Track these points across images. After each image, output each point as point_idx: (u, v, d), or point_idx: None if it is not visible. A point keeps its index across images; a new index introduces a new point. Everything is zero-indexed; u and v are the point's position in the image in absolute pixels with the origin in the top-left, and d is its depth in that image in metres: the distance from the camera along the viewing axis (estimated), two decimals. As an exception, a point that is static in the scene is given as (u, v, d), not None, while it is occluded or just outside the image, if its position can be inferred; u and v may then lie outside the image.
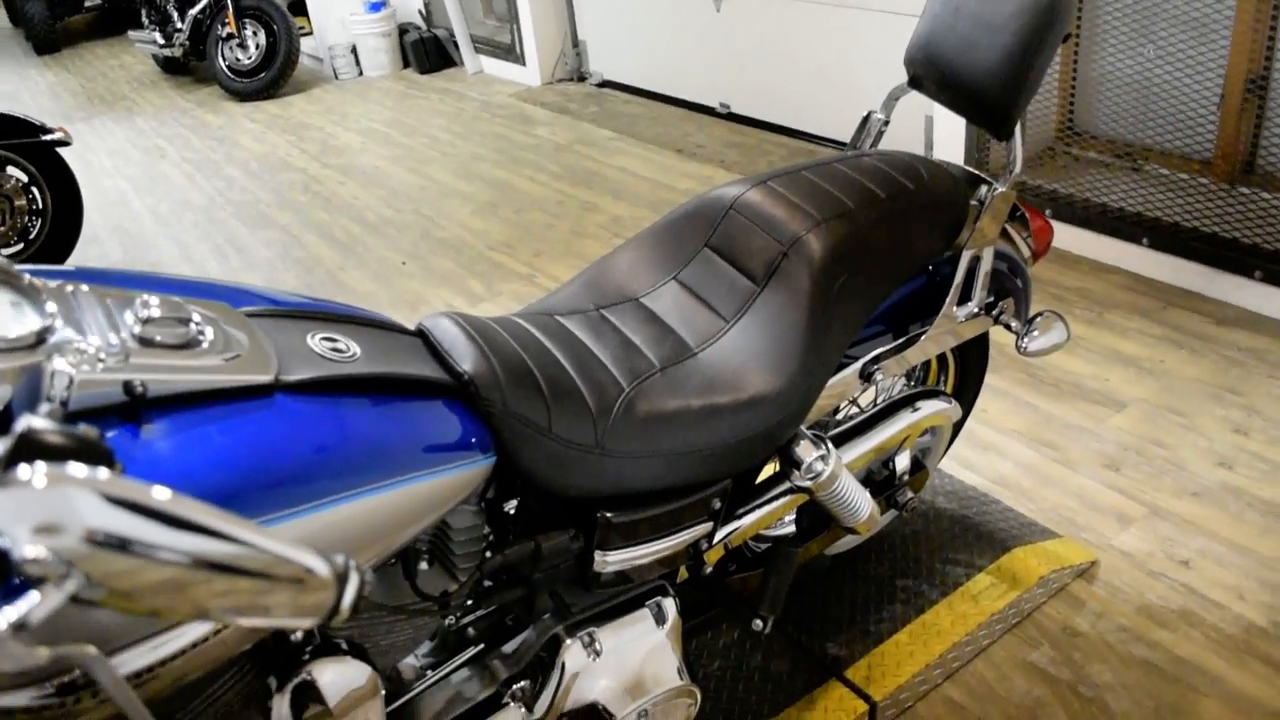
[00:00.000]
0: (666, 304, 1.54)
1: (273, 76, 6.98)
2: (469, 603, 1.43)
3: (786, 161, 4.76)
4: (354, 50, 7.35)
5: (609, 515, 1.38)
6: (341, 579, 0.72)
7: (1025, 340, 1.81)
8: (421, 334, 1.34)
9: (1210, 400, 2.77)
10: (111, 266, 4.49)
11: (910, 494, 1.97)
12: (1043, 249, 1.95)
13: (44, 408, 0.74)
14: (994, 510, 2.43)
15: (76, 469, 0.65)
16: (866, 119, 1.90)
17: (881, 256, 1.57)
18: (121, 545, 0.65)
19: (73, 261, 4.51)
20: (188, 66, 8.01)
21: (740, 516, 1.66)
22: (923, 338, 1.74)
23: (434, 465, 1.17)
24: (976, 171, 1.80)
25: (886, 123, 1.89)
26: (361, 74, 7.40)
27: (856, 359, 1.67)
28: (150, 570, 0.65)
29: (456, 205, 4.72)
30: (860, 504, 1.70)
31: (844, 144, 4.71)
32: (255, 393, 1.06)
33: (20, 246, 4.41)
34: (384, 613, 1.27)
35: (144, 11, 7.80)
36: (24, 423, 0.69)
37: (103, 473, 0.66)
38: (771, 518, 1.70)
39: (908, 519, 2.40)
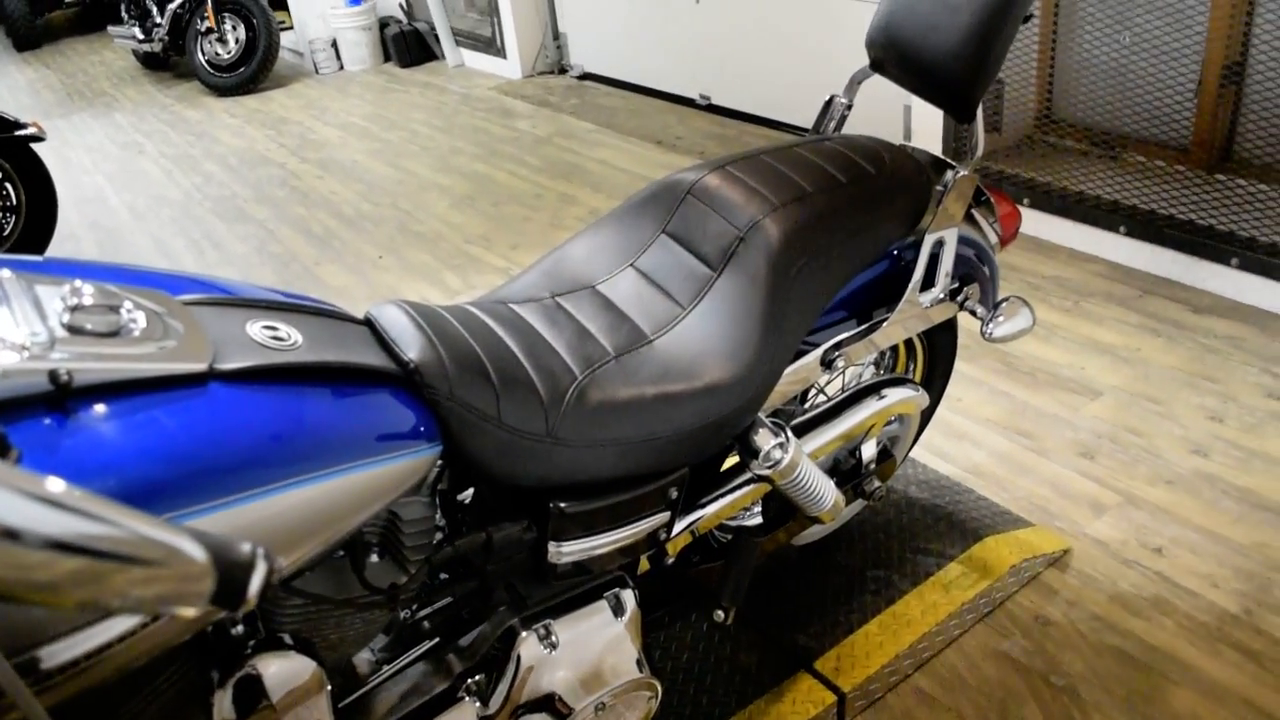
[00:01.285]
0: (623, 291, 1.52)
1: (252, 71, 6.93)
2: (423, 596, 1.40)
3: (766, 153, 4.74)
4: (334, 44, 7.30)
5: (562, 505, 1.36)
6: (232, 565, 0.70)
7: (990, 325, 1.79)
8: (369, 322, 1.32)
9: (1186, 388, 2.76)
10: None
11: (878, 483, 1.95)
12: (1010, 234, 1.93)
13: None
14: (967, 500, 2.41)
15: None
16: (830, 102, 1.88)
17: (841, 241, 1.55)
18: (8, 535, 0.63)
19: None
20: (167, 62, 7.96)
21: (702, 506, 1.64)
22: (885, 323, 1.72)
23: (377, 454, 1.14)
24: (941, 156, 1.78)
25: (849, 106, 1.86)
26: (342, 68, 7.36)
27: (818, 345, 1.65)
28: (21, 556, 0.63)
29: (434, 199, 4.69)
30: (824, 493, 1.68)
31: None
32: (188, 381, 1.04)
33: (-7, 243, 4.37)
34: (330, 605, 1.25)
35: (124, 7, 7.75)
36: None
37: None
38: (734, 507, 1.68)
39: (878, 509, 2.38)
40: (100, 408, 0.98)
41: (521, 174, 4.88)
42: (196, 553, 0.67)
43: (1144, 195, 3.34)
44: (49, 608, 0.70)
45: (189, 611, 0.68)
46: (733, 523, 1.93)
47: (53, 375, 0.95)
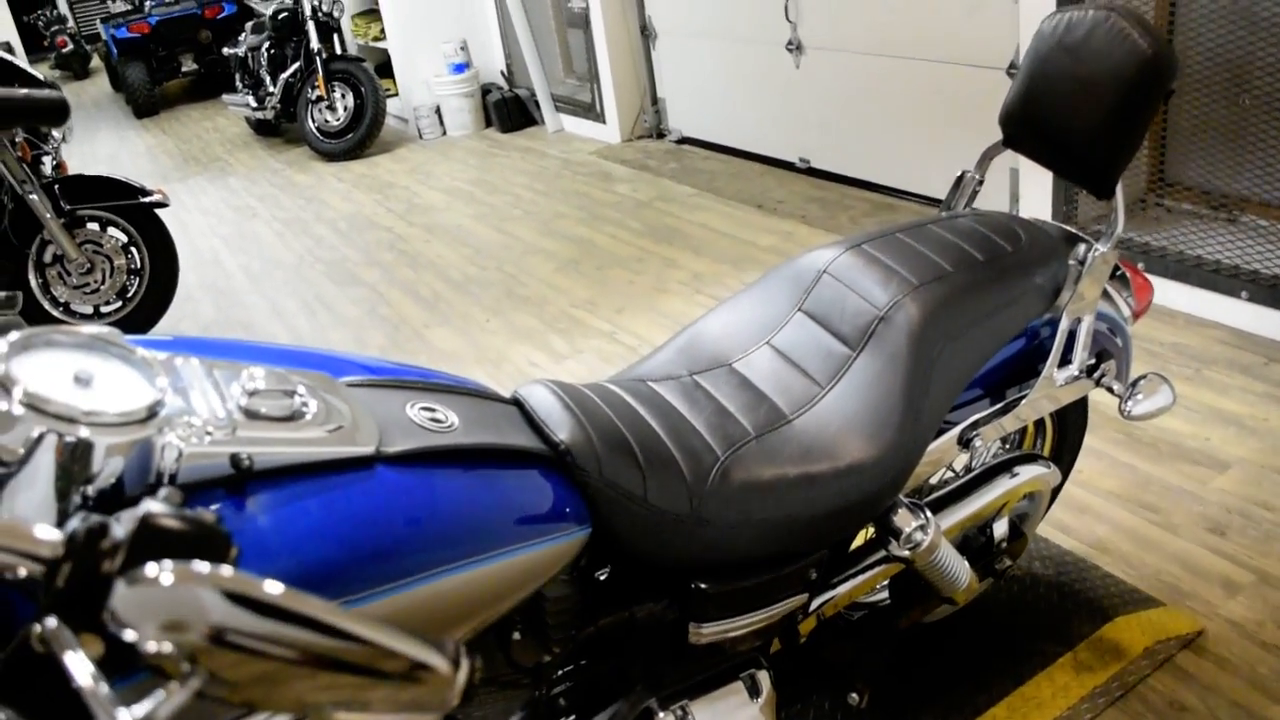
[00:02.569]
0: (760, 369, 1.53)
1: (360, 137, 7.16)
2: (561, 673, 1.41)
3: (868, 215, 4.73)
4: (438, 110, 7.52)
5: (704, 586, 1.36)
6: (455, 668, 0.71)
7: (1129, 404, 1.75)
8: (517, 402, 1.34)
9: (1320, 461, 2.66)
10: (206, 325, 4.62)
11: (1008, 561, 1.91)
12: (1143, 308, 1.90)
13: (162, 491, 0.75)
14: (1093, 577, 2.35)
15: (201, 566, 0.66)
16: (961, 178, 1.87)
17: (980, 321, 1.54)
18: (244, 642, 0.65)
19: (168, 319, 4.65)
20: (278, 128, 8.27)
21: (835, 585, 1.62)
22: (1023, 402, 1.69)
23: (531, 538, 1.16)
24: (1075, 230, 1.76)
25: (981, 182, 1.86)
26: (445, 133, 7.57)
27: (955, 424, 1.63)
28: (267, 666, 0.65)
29: (539, 262, 4.77)
30: (958, 573, 1.66)
31: (924, 198, 4.67)
32: (357, 464, 1.07)
33: (119, 305, 4.55)
34: (476, 685, 1.26)
35: (238, 75, 8.10)
36: (144, 508, 0.70)
37: (225, 569, 0.67)
38: (866, 586, 1.66)
39: (1002, 585, 2.33)
40: (279, 491, 1.02)
41: (623, 238, 4.94)
42: (441, 664, 0.69)
43: (1267, 259, 3.25)
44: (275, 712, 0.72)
45: (428, 717, 0.70)
46: (863, 599, 1.90)
47: (234, 459, 0.99)
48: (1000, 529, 1.88)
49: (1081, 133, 1.58)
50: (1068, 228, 1.77)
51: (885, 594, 1.93)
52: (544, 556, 1.17)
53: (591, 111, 6.72)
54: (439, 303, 4.48)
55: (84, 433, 0.88)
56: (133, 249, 4.55)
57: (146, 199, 4.47)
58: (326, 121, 7.23)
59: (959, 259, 1.57)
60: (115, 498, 0.93)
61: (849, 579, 1.63)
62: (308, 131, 7.30)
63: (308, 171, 7.11)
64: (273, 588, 0.67)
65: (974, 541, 1.90)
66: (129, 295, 4.56)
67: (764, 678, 1.50)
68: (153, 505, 0.71)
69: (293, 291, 4.89)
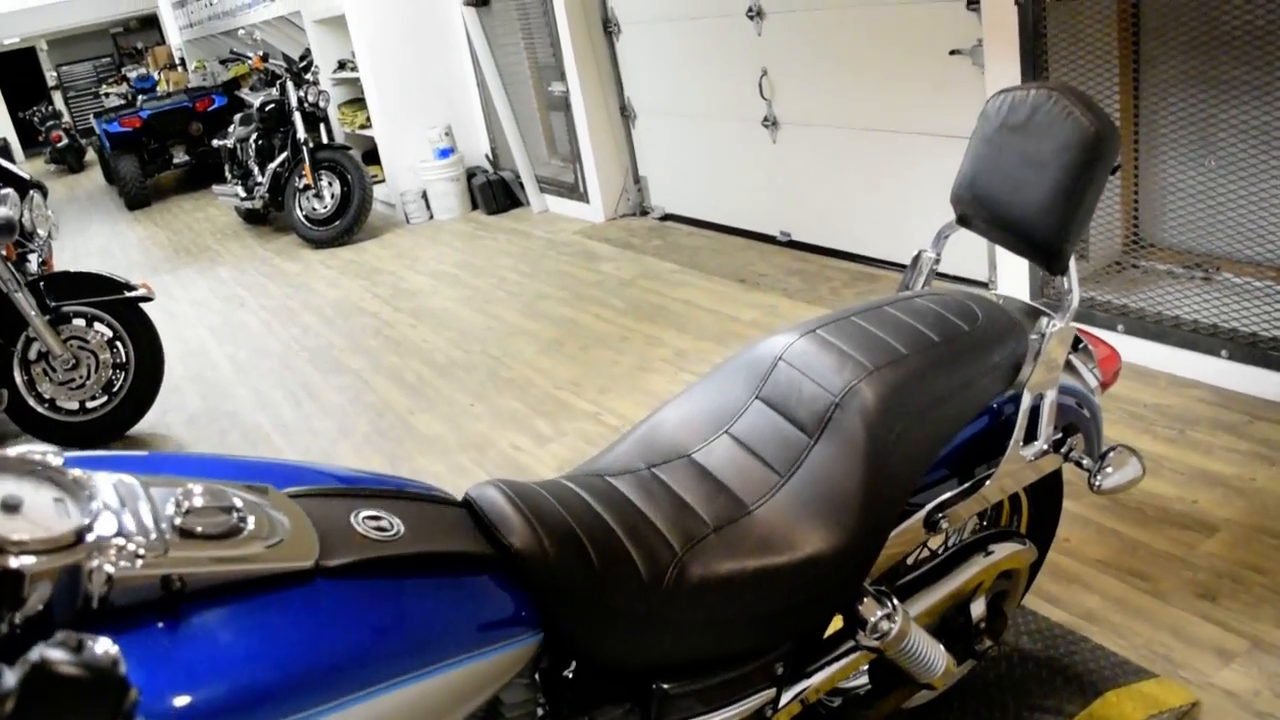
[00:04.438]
0: (719, 459, 1.51)
1: (347, 224, 7.23)
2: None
3: (848, 286, 4.75)
4: (424, 195, 7.60)
5: (665, 686, 1.33)
6: None
7: (1098, 478, 1.73)
8: (468, 504, 1.33)
9: (1308, 521, 2.63)
10: (193, 416, 4.60)
11: (989, 642, 1.88)
12: (1111, 378, 1.89)
13: (59, 634, 0.73)
14: (1082, 649, 2.31)
15: None
16: (917, 258, 1.88)
17: (939, 402, 1.53)
18: None
19: (155, 411, 4.64)
20: (267, 217, 8.35)
21: (808, 675, 1.59)
22: (989, 481, 1.67)
23: (481, 645, 1.14)
24: (1035, 304, 1.76)
25: (938, 260, 1.86)
26: (432, 217, 7.64)
27: (921, 506, 1.61)
28: None
29: (523, 344, 4.78)
30: (934, 659, 1.62)
31: (904, 266, 4.69)
32: (296, 579, 1.05)
33: (105, 399, 4.55)
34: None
35: (228, 166, 8.20)
36: (37, 653, 0.69)
37: None
38: (840, 675, 1.62)
39: (989, 663, 2.28)
40: (212, 611, 1.00)
41: (607, 316, 4.95)
42: None
43: (1244, 317, 3.25)
44: None
45: None
46: (843, 685, 1.87)
47: (165, 581, 0.97)
48: (978, 609, 1.85)
49: (1030, 210, 1.59)
50: (1029, 302, 1.77)
51: (867, 679, 1.89)
52: (494, 665, 1.14)
53: (575, 191, 6.79)
54: (424, 388, 4.48)
55: (12, 563, 0.87)
56: (118, 343, 4.56)
57: (131, 294, 4.50)
58: (314, 209, 7.30)
59: (915, 340, 1.57)
60: (44, 624, 0.92)
61: (821, 669, 1.60)
62: (295, 220, 7.36)
63: (295, 259, 7.16)
64: None
65: (952, 623, 1.87)
66: (114, 390, 4.56)
67: (737, 775, 1.46)
68: (47, 651, 0.69)
69: (278, 381, 4.89)
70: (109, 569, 0.94)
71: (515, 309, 5.30)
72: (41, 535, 0.91)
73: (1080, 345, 1.81)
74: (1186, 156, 3.47)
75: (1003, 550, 1.80)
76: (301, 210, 7.34)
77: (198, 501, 1.03)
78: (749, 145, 5.42)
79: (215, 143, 8.46)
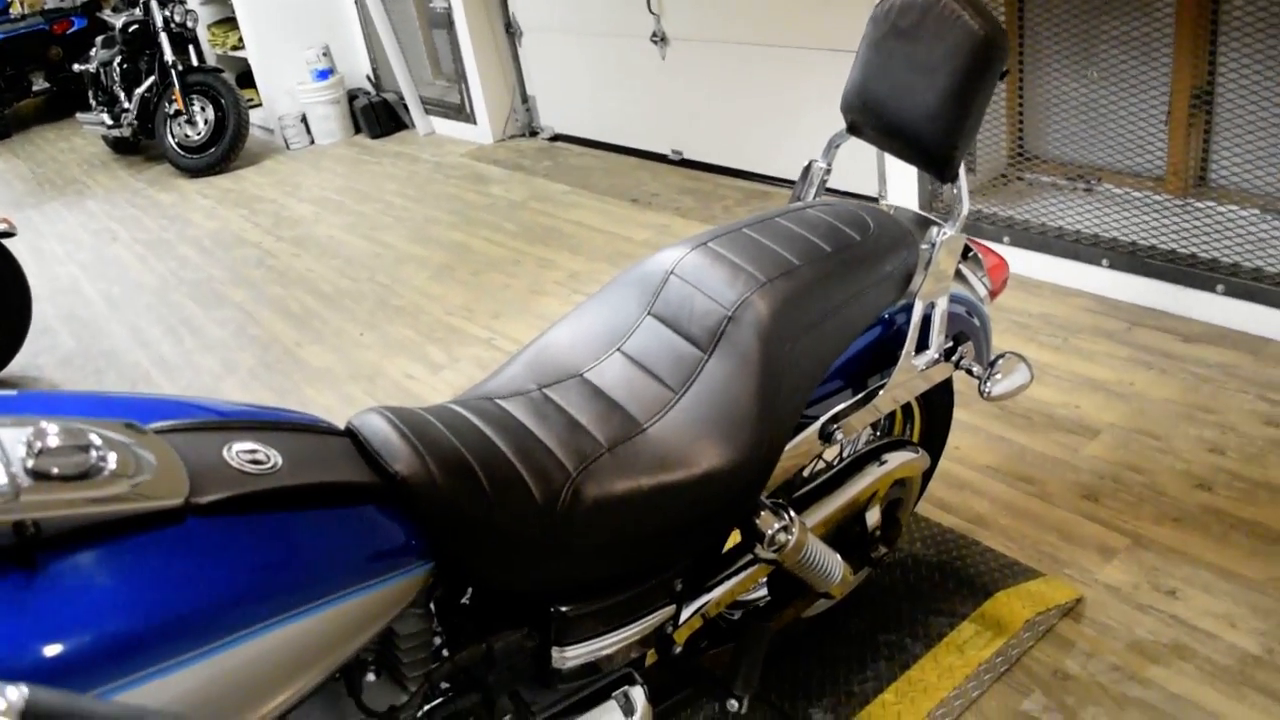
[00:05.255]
0: (612, 377, 1.48)
1: (223, 151, 6.92)
2: (423, 711, 1.34)
3: (741, 204, 4.74)
4: (304, 119, 7.31)
5: (563, 609, 1.31)
6: None
7: (988, 385, 1.75)
8: (351, 433, 1.27)
9: (1183, 420, 2.72)
10: (67, 356, 4.39)
11: (884, 550, 1.90)
12: (999, 286, 1.91)
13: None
14: (973, 553, 2.37)
15: None
16: (808, 168, 1.85)
17: (831, 313, 1.52)
18: None
19: (24, 354, 4.41)
20: (138, 146, 7.94)
21: (708, 590, 1.59)
22: (882, 391, 1.68)
23: (368, 577, 1.09)
24: (926, 214, 1.76)
25: (828, 171, 1.84)
26: (313, 142, 7.36)
27: (815, 418, 1.61)
28: None
29: (413, 271, 4.66)
30: (831, 568, 1.64)
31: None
32: (164, 519, 0.99)
33: (-34, 343, 4.30)
34: (327, 733, 1.19)
35: (91, 93, 7.75)
36: None
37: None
38: (740, 588, 1.63)
39: (884, 570, 2.33)
40: (74, 557, 0.93)
41: (498, 240, 4.85)
42: None
43: (1124, 226, 3.33)
44: None
45: None
46: (742, 598, 1.88)
47: (18, 527, 0.91)
48: (873, 518, 1.87)
49: (919, 117, 1.57)
50: (920, 213, 1.76)
51: (766, 592, 1.91)
52: (383, 597, 1.10)
53: (462, 113, 6.60)
54: (311, 319, 4.34)
55: None
56: (-23, 283, 4.30)
57: (-10, 230, 4.24)
58: (187, 136, 6.97)
59: (807, 251, 1.54)
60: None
61: (721, 583, 1.60)
62: (168, 148, 7.02)
63: (170, 190, 6.84)
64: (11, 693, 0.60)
65: (848, 532, 1.89)
66: (-24, 332, 4.32)
67: (638, 693, 1.45)
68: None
69: (157, 317, 4.69)
70: (-49, 517, 0.86)
71: (403, 235, 5.16)
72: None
73: (970, 254, 1.82)
74: (1068, 68, 3.50)
75: (896, 459, 1.81)
76: (173, 137, 6.99)
77: (52, 441, 0.96)
78: (638, 62, 5.32)
79: (77, 68, 7.97)
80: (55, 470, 0.94)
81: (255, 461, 1.10)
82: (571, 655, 1.35)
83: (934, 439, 2.08)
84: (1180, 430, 2.69)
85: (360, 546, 1.11)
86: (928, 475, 2.08)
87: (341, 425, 1.31)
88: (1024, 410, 2.88)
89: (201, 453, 1.08)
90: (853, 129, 1.76)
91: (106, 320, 4.76)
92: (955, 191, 1.65)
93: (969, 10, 1.53)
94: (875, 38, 1.66)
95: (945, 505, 2.56)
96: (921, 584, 2.28)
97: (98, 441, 0.99)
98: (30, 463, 0.94)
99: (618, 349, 1.52)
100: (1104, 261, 3.36)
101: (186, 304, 4.78)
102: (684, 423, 1.40)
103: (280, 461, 1.11)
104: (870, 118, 1.68)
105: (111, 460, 0.99)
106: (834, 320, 1.52)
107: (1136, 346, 3.09)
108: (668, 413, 1.42)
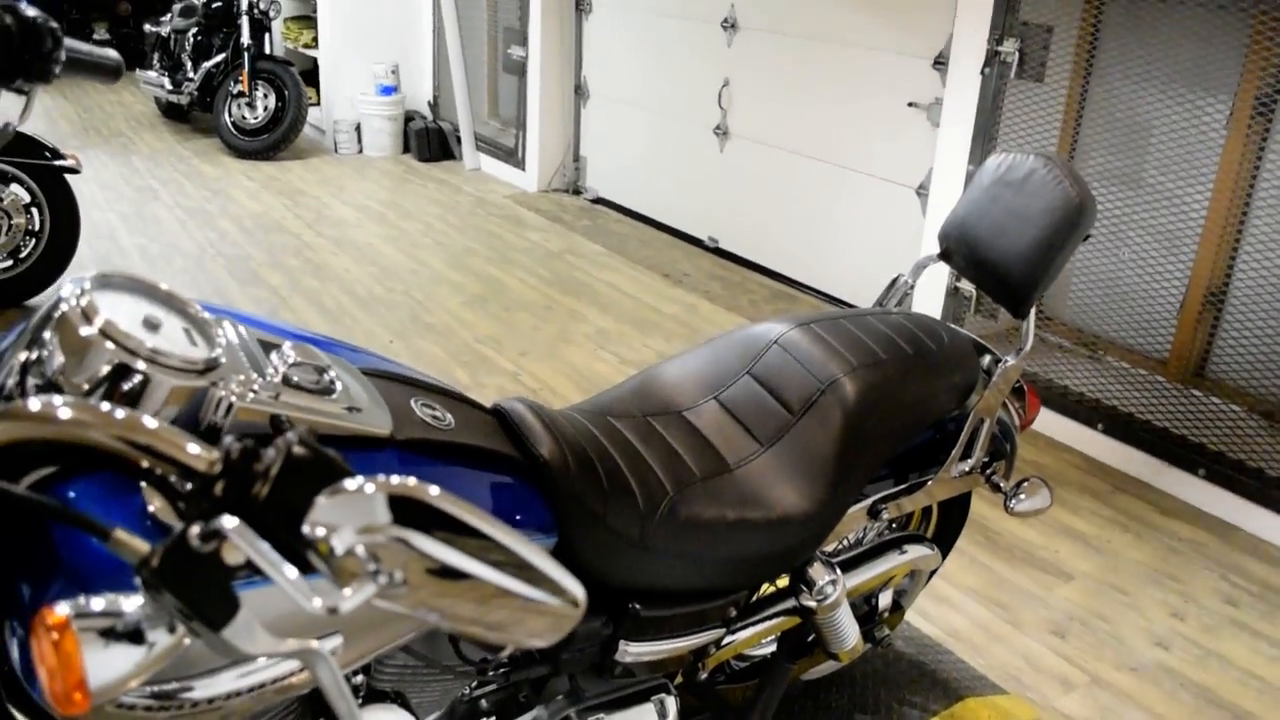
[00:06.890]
0: (707, 420, 1.67)
1: (276, 139, 7.13)
2: (492, 673, 1.51)
3: (767, 301, 4.98)
4: (358, 128, 7.54)
5: (639, 608, 1.49)
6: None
7: (1013, 501, 1.97)
8: (497, 413, 1.45)
9: (1151, 583, 2.94)
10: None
11: (886, 631, 2.09)
12: (1030, 420, 2.13)
13: (300, 429, 0.84)
14: (947, 660, 2.55)
15: (396, 480, 0.77)
16: (895, 281, 2.08)
17: (906, 407, 1.73)
18: (430, 552, 0.76)
19: (54, 289, 4.54)
20: (188, 115, 8.14)
21: (740, 629, 1.77)
22: (926, 485, 1.89)
23: (510, 538, 1.27)
24: (983, 342, 1.98)
25: (912, 286, 2.07)
26: (362, 151, 7.58)
27: (866, 497, 1.81)
28: (440, 569, 0.76)
29: (447, 294, 4.85)
30: (850, 633, 1.82)
31: (820, 293, 4.95)
32: (372, 444, 1.17)
33: (9, 264, 4.42)
34: (428, 670, 1.36)
35: (156, 55, 7.95)
36: (290, 439, 0.81)
37: (427, 486, 0.78)
38: (766, 633, 1.80)
39: (868, 657, 2.51)
40: None
41: (531, 283, 5.06)
42: (579, 591, 0.80)
43: (1122, 398, 3.59)
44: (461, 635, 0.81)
45: (542, 643, 0.80)
46: (751, 651, 2.05)
47: (275, 420, 1.08)
48: (884, 600, 2.06)
49: (1008, 257, 1.81)
50: (976, 338, 1.99)
51: (771, 649, 2.08)
52: (517, 557, 1.28)
53: (513, 156, 6.86)
54: (343, 316, 4.51)
55: (144, 367, 0.97)
56: (34, 210, 4.44)
57: (59, 162, 4.40)
58: (244, 118, 7.18)
59: (891, 349, 1.76)
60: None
61: (753, 624, 1.78)
62: (222, 125, 7.22)
63: (216, 164, 7.03)
64: (468, 513, 0.78)
65: (859, 609, 2.08)
66: (21, 256, 4.44)
67: (671, 703, 1.62)
68: (296, 438, 0.81)
69: (191, 280, 4.84)
70: (233, 399, 1.04)
71: (441, 258, 5.36)
72: (179, 354, 1.01)
73: (1018, 386, 2.04)
74: (1100, 243, 3.79)
75: (915, 551, 2.01)
76: (230, 116, 7.20)
77: (297, 358, 1.15)
78: (696, 149, 5.61)
79: (148, 28, 8.19)
80: (300, 381, 1.13)
81: (435, 417, 1.28)
82: (634, 651, 1.52)
83: (944, 543, 2.28)
84: (1147, 591, 2.91)
85: (505, 509, 1.29)
86: (933, 573, 2.28)
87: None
88: (1008, 544, 3.09)
89: (395, 399, 1.26)
90: (944, 256, 1.99)
91: (141, 273, 4.89)
92: (1024, 328, 1.88)
93: (1070, 178, 1.78)
94: (983, 183, 1.91)
95: (926, 614, 2.75)
96: (899, 676, 2.46)
97: (331, 370, 1.18)
98: (283, 371, 1.12)
99: (714, 397, 1.72)
100: (1099, 425, 3.61)
101: (222, 275, 4.93)
102: (768, 471, 1.59)
103: (454, 422, 1.30)
104: (963, 248, 1.92)
105: (339, 386, 1.17)
106: (907, 413, 1.73)
107: (1118, 509, 3.32)
108: (754, 460, 1.61)
